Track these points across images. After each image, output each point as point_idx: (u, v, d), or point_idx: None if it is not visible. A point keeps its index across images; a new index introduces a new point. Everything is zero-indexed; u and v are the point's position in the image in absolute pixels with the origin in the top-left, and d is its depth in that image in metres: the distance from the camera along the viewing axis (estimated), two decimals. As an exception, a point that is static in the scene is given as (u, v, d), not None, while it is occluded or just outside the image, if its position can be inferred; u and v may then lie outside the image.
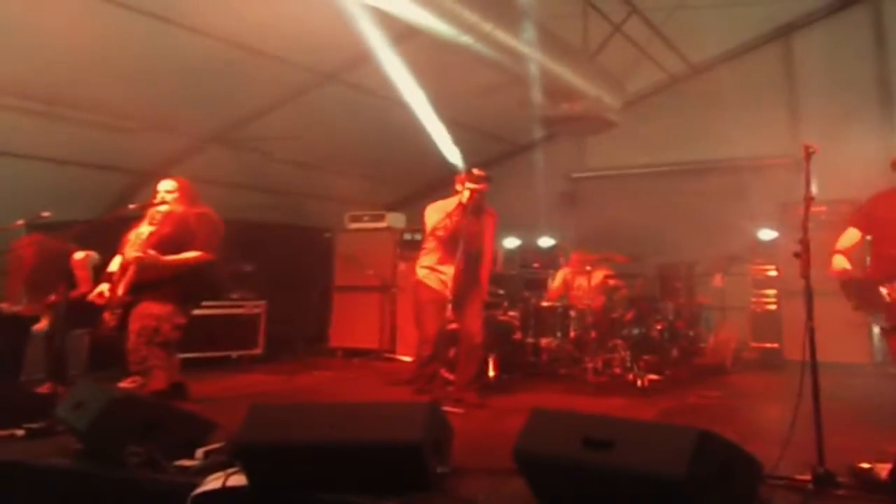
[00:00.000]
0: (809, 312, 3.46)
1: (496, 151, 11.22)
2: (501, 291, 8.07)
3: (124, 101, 7.62)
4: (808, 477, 3.16)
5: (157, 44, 6.83)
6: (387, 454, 3.05)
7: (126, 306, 5.39)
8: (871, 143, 8.19)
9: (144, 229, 5.56)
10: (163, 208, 5.63)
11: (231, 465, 3.31)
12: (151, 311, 5.29)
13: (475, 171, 6.02)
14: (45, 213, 5.88)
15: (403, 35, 7.23)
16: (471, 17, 6.24)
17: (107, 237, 7.34)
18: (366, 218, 9.87)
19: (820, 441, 3.20)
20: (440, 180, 9.65)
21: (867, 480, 3.12)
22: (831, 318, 6.37)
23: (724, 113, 9.16)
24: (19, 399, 4.90)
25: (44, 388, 6.18)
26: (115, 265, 5.66)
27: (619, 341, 7.23)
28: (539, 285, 9.03)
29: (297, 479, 3.14)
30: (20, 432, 4.33)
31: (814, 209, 3.63)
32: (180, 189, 5.68)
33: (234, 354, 8.50)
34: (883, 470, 3.10)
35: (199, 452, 3.55)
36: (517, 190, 9.93)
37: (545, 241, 10.08)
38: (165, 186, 5.70)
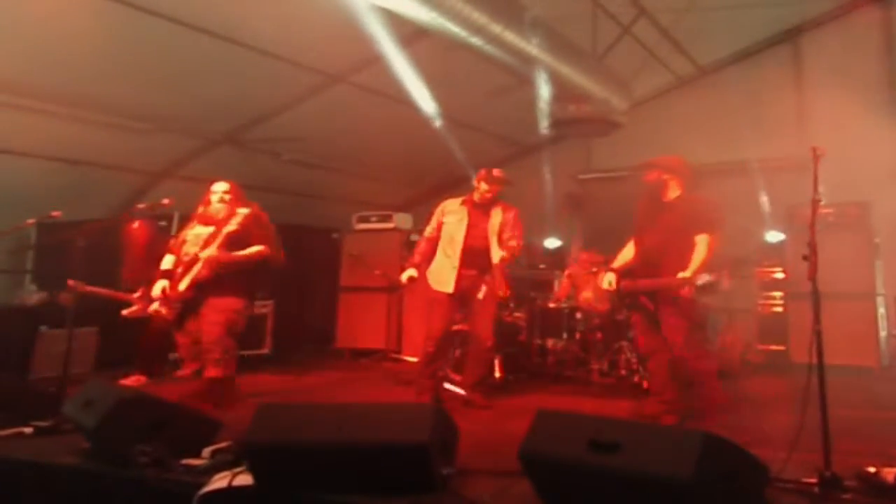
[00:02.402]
0: (816, 315, 3.45)
1: (503, 153, 11.21)
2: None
3: (137, 102, 7.67)
4: (814, 480, 3.16)
5: (170, 46, 6.85)
6: (393, 455, 3.06)
7: (187, 302, 5.68)
8: (879, 145, 8.16)
9: (201, 230, 5.84)
10: (219, 208, 5.85)
11: (238, 465, 3.33)
12: (231, 305, 5.66)
13: (495, 171, 6.04)
14: (56, 213, 5.91)
15: (413, 36, 7.26)
16: (480, 18, 6.24)
17: (117, 236, 7.41)
18: (373, 219, 9.89)
19: (826, 444, 3.20)
20: (448, 181, 9.68)
21: (873, 484, 3.12)
22: (838, 320, 6.39)
23: (732, 115, 9.13)
24: (27, 396, 4.93)
25: (130, 381, 6.61)
26: (167, 263, 5.91)
27: (624, 343, 7.21)
28: (545, 286, 9.02)
29: (303, 480, 3.15)
30: (28, 430, 4.36)
31: (821, 211, 3.62)
32: (233, 190, 5.93)
33: (241, 354, 8.50)
34: (889, 474, 3.10)
35: (206, 451, 3.57)
36: (524, 191, 9.93)
37: (552, 242, 10.07)
38: (222, 187, 5.93)
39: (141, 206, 6.57)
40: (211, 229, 5.80)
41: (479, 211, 5.98)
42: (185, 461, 3.50)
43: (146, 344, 7.17)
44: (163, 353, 7.31)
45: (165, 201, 5.96)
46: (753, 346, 8.57)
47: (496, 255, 5.79)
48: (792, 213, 8.21)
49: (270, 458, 3.19)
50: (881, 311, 7.94)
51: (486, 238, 5.88)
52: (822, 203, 3.67)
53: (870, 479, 3.14)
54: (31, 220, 6.55)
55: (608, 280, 5.39)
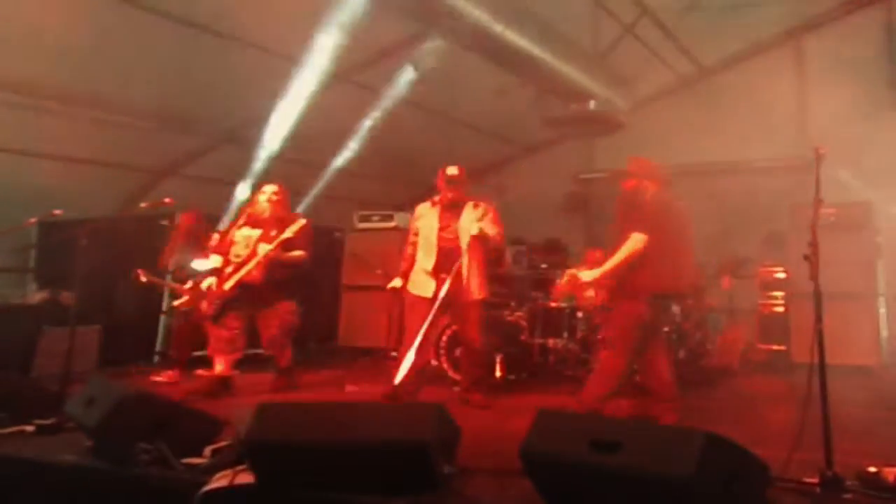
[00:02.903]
0: (818, 315, 3.45)
1: (505, 152, 11.22)
2: (508, 292, 8.08)
3: (138, 101, 7.68)
4: (815, 480, 3.16)
5: (172, 45, 6.87)
6: (394, 454, 3.06)
7: (229, 300, 6.14)
8: (881, 145, 8.16)
9: (249, 231, 6.29)
10: (265, 207, 6.33)
11: (239, 464, 3.33)
12: (285, 308, 6.35)
13: (448, 171, 5.93)
14: (57, 211, 5.92)
15: (414, 36, 7.26)
16: (482, 17, 6.24)
17: (119, 235, 7.40)
18: (375, 218, 9.90)
19: (828, 444, 3.20)
20: (449, 180, 9.63)
21: (875, 484, 3.12)
22: (840, 320, 6.38)
23: (734, 115, 9.13)
24: (29, 395, 4.93)
25: (165, 377, 6.84)
26: (216, 262, 6.36)
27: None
28: (546, 286, 9.01)
29: (304, 478, 3.15)
30: (30, 428, 4.36)
31: (823, 211, 3.62)
32: (280, 192, 6.42)
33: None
34: (890, 474, 3.10)
35: (208, 450, 3.57)
36: (526, 190, 9.94)
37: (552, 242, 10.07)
38: (271, 188, 6.41)
39: (143, 204, 6.58)
40: (259, 232, 6.22)
41: (450, 212, 5.89)
42: (186, 460, 3.50)
43: (181, 339, 7.22)
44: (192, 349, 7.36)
45: (167, 200, 5.98)
46: (754, 346, 8.57)
47: (464, 241, 5.65)
48: (793, 213, 8.20)
49: (272, 456, 3.19)
50: (882, 310, 7.95)
51: (457, 238, 5.75)
52: (824, 202, 3.66)
53: (871, 479, 3.14)
54: (32, 219, 6.57)
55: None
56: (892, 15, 9.06)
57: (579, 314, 7.65)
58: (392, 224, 9.72)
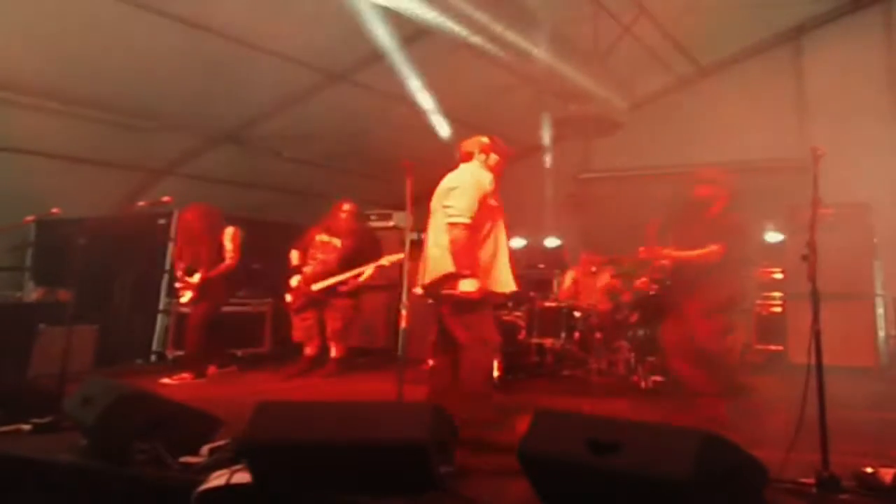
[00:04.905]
0: (816, 315, 3.45)
1: (504, 152, 11.20)
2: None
3: (138, 100, 7.67)
4: (812, 481, 3.16)
5: (172, 43, 6.86)
6: (391, 454, 3.06)
7: (313, 300, 7.33)
8: (880, 146, 8.16)
9: (328, 238, 7.43)
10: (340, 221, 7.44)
11: (236, 463, 3.32)
12: (349, 304, 7.42)
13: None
14: (55, 210, 5.91)
15: (414, 35, 7.25)
16: (482, 18, 6.24)
17: (117, 234, 7.40)
18: (373, 217, 9.89)
19: (825, 445, 3.20)
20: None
21: (871, 485, 3.12)
22: (837, 321, 6.38)
23: (733, 115, 9.13)
24: (26, 394, 4.93)
25: (175, 379, 6.86)
26: (294, 259, 7.49)
27: (623, 343, 7.20)
28: (545, 286, 9.01)
29: (301, 478, 3.15)
30: (26, 427, 4.36)
31: (821, 212, 3.62)
32: (352, 210, 7.48)
33: (240, 352, 8.50)
34: (887, 474, 3.10)
35: (205, 449, 3.56)
36: (524, 190, 9.92)
37: (551, 242, 10.07)
38: (345, 207, 7.46)
39: (141, 203, 6.58)
40: (338, 240, 7.37)
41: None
42: (183, 459, 3.50)
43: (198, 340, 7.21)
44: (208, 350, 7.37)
45: (166, 199, 5.97)
46: (752, 347, 8.55)
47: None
48: (792, 214, 8.19)
49: (269, 456, 3.18)
50: (880, 311, 7.92)
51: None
52: (822, 203, 3.66)
53: (867, 480, 3.14)
54: (30, 218, 6.56)
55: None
56: (890, 14, 9.07)
57: (577, 314, 7.66)
58: (390, 223, 9.71)
